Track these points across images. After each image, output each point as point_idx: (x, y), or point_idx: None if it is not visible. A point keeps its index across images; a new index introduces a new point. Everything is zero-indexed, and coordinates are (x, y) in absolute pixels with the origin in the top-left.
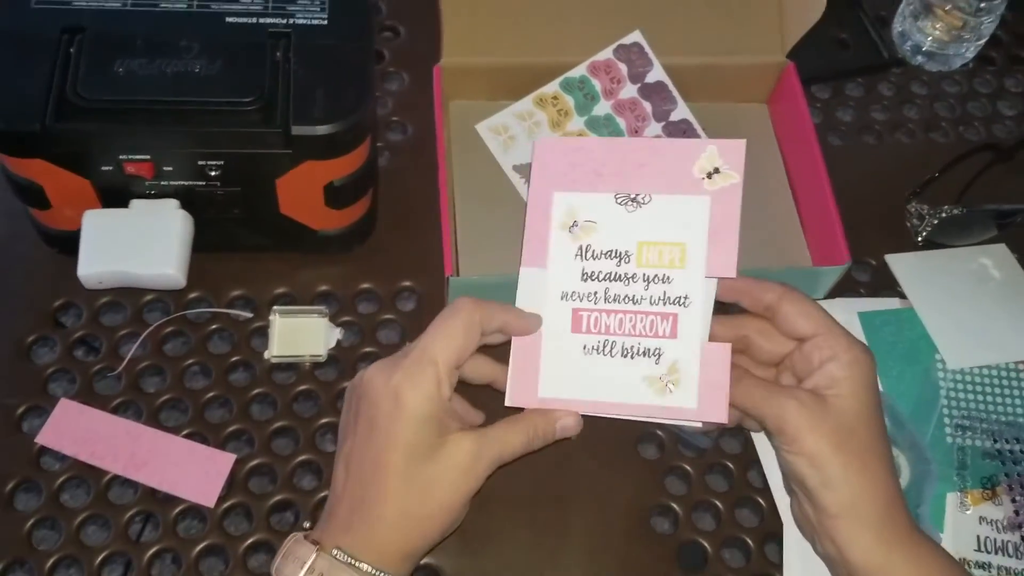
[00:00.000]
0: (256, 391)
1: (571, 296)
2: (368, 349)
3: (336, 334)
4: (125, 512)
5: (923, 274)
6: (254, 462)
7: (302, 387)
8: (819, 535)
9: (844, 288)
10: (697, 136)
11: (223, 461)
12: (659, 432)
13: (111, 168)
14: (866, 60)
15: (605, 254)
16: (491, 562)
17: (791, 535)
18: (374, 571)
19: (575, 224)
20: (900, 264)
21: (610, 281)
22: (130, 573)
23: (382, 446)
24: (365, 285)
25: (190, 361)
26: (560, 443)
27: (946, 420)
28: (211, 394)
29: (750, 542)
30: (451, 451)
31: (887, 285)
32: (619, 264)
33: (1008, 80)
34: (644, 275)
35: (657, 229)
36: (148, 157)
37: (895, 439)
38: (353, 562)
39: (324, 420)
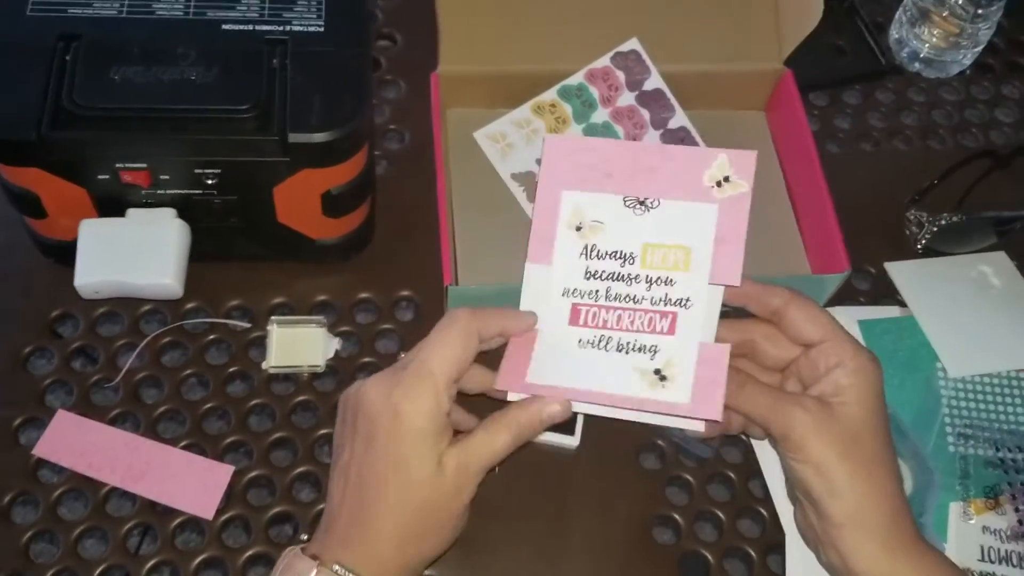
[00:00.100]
0: (254, 402)
1: (573, 293)
2: (367, 359)
3: (334, 344)
4: (123, 525)
5: (923, 282)
6: (253, 474)
7: (300, 398)
8: (823, 544)
9: (844, 296)
10: (695, 144)
11: (221, 473)
12: (660, 442)
13: (107, 177)
14: (863, 67)
15: (610, 254)
16: (493, 573)
17: (794, 545)
18: None
19: (582, 223)
20: (900, 272)
21: (613, 280)
22: None
23: (380, 463)
24: (363, 295)
25: (188, 372)
26: (561, 453)
27: (948, 429)
28: (209, 405)
29: (752, 553)
30: (443, 470)
31: (887, 293)
32: (623, 265)
33: (1006, 87)
34: (647, 276)
35: (663, 233)
36: (145, 165)
37: (897, 448)
38: None
39: (323, 431)
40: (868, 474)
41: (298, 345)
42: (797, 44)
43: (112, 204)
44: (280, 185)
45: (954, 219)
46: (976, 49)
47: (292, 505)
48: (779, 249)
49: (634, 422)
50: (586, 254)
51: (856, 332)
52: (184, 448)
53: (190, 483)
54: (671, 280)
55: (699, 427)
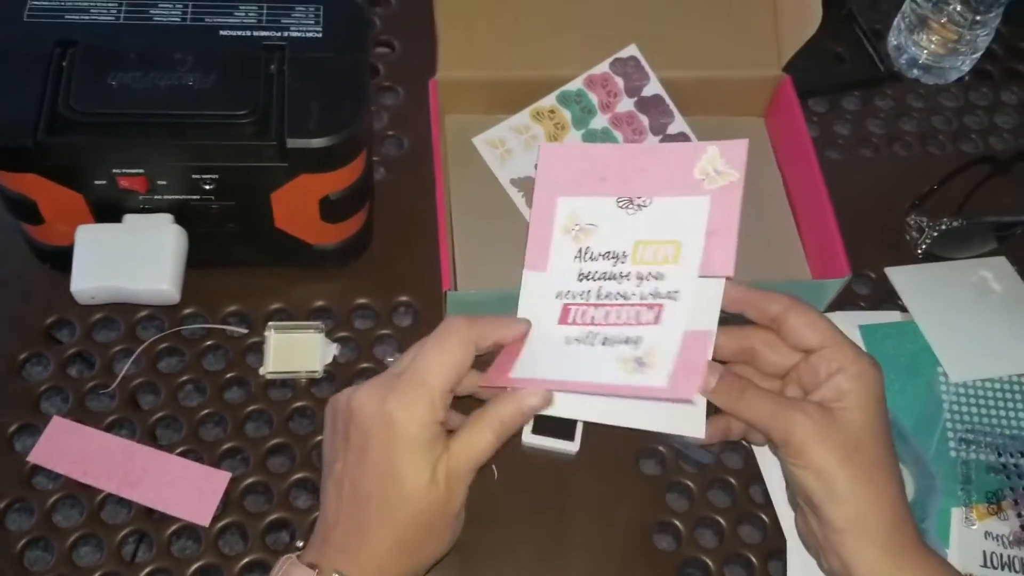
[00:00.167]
0: (251, 408)
1: (565, 295)
2: (364, 365)
3: (332, 350)
4: (119, 532)
5: (923, 287)
6: (249, 480)
7: (298, 404)
8: (825, 550)
9: (844, 301)
10: None
11: (218, 479)
12: (660, 448)
13: (104, 182)
14: (862, 74)
15: (603, 255)
16: None
17: (795, 551)
18: None
19: (577, 228)
20: (900, 277)
21: (604, 280)
22: None
23: (375, 475)
24: (361, 300)
25: (184, 378)
26: (560, 459)
27: (949, 434)
28: (206, 411)
29: (753, 559)
30: (436, 479)
31: (887, 298)
32: (615, 264)
33: (1004, 93)
34: (637, 272)
35: (655, 229)
36: (142, 171)
37: (898, 453)
38: None
39: (320, 438)
40: (869, 479)
41: (296, 351)
42: (796, 50)
43: (109, 210)
44: (278, 190)
45: (954, 224)
46: (975, 55)
47: (289, 512)
48: (779, 254)
49: (634, 429)
50: (580, 257)
51: (857, 337)
52: (180, 454)
53: (186, 490)
54: (660, 274)
55: (699, 433)
